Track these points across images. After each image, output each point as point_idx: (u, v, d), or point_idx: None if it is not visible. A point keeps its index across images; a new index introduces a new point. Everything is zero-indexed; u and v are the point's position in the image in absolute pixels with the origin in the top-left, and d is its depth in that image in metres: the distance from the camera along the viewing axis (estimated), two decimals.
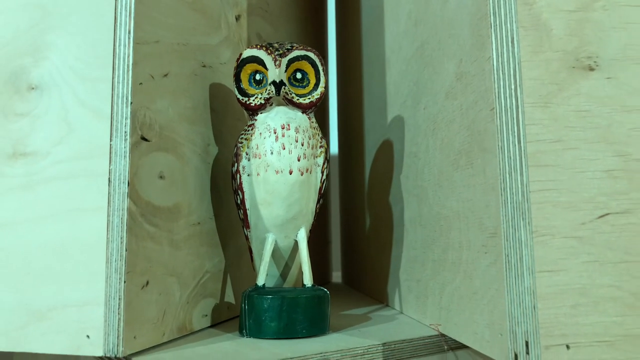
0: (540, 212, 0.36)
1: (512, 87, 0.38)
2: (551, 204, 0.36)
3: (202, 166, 0.52)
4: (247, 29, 0.65)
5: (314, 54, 0.51)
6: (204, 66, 0.54)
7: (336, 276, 1.05)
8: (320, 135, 0.52)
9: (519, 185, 0.37)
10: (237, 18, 0.63)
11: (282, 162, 0.48)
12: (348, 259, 0.91)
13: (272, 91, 0.49)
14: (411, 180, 0.57)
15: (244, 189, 0.50)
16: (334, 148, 1.05)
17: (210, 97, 0.55)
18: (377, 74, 0.70)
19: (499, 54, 0.39)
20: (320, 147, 0.51)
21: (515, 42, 0.38)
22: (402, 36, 0.61)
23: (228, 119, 0.59)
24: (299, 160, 0.49)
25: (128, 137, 0.42)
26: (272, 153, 0.48)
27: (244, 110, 0.52)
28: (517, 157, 0.37)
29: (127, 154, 0.41)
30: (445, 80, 0.48)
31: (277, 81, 0.49)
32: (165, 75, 0.47)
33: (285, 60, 0.49)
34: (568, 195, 0.36)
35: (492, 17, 0.40)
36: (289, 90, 0.49)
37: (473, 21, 0.42)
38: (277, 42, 0.51)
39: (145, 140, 0.44)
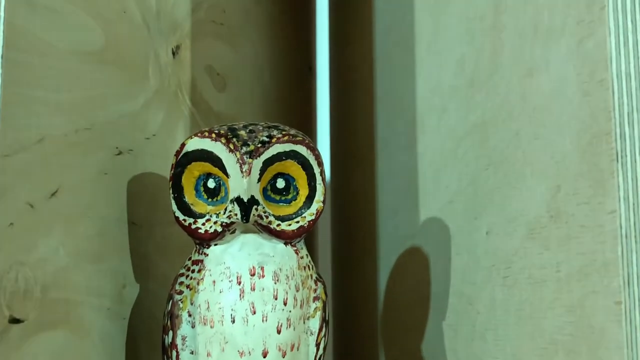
0: None
1: None
2: None
3: (112, 329, 0.51)
4: (190, 64, 0.64)
5: (307, 147, 0.48)
6: (120, 153, 0.54)
7: None
8: (315, 277, 0.50)
9: None
10: (176, 51, 0.62)
11: (251, 338, 0.46)
12: None
13: (236, 214, 0.46)
14: (464, 340, 0.56)
15: None
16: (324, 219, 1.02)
17: (129, 202, 0.54)
18: (403, 137, 0.69)
19: (629, 207, 0.38)
20: (315, 299, 0.49)
21: None
22: (448, 93, 0.60)
23: (156, 230, 0.57)
24: (279, 331, 0.47)
25: None
26: (233, 321, 0.46)
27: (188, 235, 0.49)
28: None
29: None
30: (529, 209, 0.47)
31: (246, 200, 0.46)
32: (54, 193, 0.46)
33: (258, 163, 0.47)
34: None
35: (617, 141, 0.38)
36: (265, 212, 0.47)
37: (582, 137, 0.41)
38: (244, 127, 0.48)
39: (18, 321, 0.42)
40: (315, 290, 0.50)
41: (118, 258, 0.53)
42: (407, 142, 0.68)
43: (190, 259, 0.49)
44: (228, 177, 0.47)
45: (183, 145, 0.48)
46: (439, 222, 0.61)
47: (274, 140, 0.47)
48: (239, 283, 0.47)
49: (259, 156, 0.47)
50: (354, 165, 0.86)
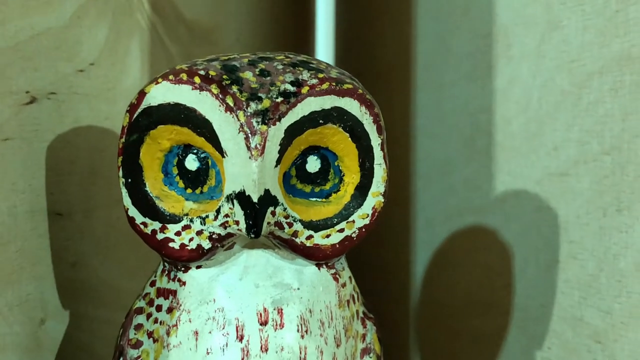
0: None
1: None
2: None
3: None
4: None
5: (360, 100, 0.39)
6: (32, 101, 0.46)
7: None
8: (362, 313, 0.43)
9: None
10: None
11: None
12: None
13: (237, 221, 0.38)
14: None
15: None
16: None
17: (49, 182, 0.47)
18: (467, 61, 0.63)
19: None
20: (364, 352, 0.43)
21: None
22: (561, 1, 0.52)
23: (97, 217, 0.52)
24: None
25: None
26: None
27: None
28: None
29: None
30: None
31: (255, 198, 0.38)
32: None
33: (278, 131, 0.38)
34: None
35: None
36: (288, 216, 0.40)
37: None
38: (251, 64, 0.39)
39: None
40: (363, 338, 0.43)
41: (30, 279, 0.45)
42: (474, 69, 0.62)
43: (153, 284, 0.41)
44: (224, 156, 0.38)
45: (142, 94, 0.39)
46: (535, 199, 0.55)
47: (304, 89, 0.38)
48: (241, 338, 0.40)
49: (280, 119, 0.38)
50: (376, 90, 0.77)
